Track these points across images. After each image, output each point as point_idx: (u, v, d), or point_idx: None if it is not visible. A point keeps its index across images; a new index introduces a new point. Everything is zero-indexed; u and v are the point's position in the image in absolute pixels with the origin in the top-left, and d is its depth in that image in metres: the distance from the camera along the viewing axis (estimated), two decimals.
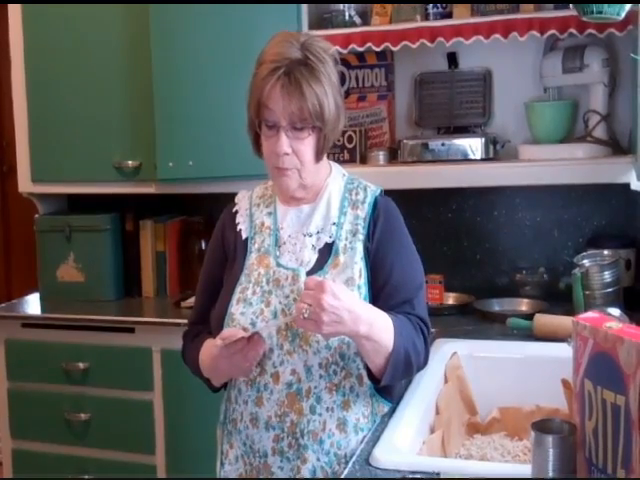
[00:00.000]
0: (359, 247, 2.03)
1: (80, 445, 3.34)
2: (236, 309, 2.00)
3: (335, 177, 2.13)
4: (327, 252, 2.04)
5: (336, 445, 1.97)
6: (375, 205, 2.08)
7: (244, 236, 2.13)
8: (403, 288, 2.03)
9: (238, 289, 2.04)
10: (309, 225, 2.07)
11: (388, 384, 2.01)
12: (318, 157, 2.02)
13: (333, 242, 2.04)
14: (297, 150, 1.98)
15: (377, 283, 2.03)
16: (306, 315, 1.79)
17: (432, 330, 2.10)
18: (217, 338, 1.95)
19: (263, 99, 1.95)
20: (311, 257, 2.03)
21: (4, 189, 7.25)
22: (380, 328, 1.90)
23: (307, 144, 1.98)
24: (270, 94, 1.94)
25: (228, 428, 2.09)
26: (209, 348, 2.04)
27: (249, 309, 1.99)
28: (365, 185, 2.12)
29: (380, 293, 2.02)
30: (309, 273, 2.00)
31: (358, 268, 2.01)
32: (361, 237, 2.04)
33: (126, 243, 3.64)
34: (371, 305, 1.95)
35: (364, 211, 2.07)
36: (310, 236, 2.06)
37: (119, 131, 3.46)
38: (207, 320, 2.10)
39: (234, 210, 2.20)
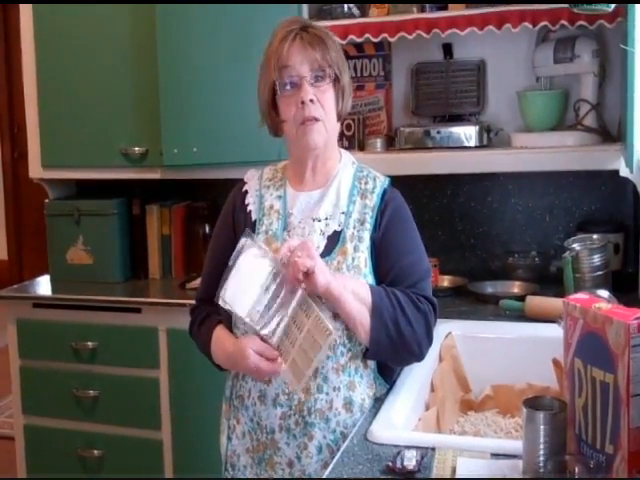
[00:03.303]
0: (366, 236, 2.05)
1: (89, 421, 3.38)
2: None
3: (345, 164, 2.15)
4: (335, 239, 2.05)
5: (342, 424, 2.00)
6: (383, 196, 2.10)
7: (253, 218, 2.14)
8: (409, 273, 2.05)
9: None
10: (318, 211, 2.09)
11: (380, 349, 1.99)
12: (338, 112, 2.08)
13: (341, 230, 2.06)
14: (320, 99, 2.02)
15: (383, 270, 2.05)
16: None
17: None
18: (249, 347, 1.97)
19: (283, 59, 2.00)
20: (320, 243, 2.05)
21: (16, 175, 7.26)
22: (353, 281, 1.98)
23: (328, 96, 2.03)
24: (290, 52, 2.00)
25: (234, 404, 2.12)
26: (222, 342, 2.08)
27: None
28: (374, 175, 2.15)
29: (385, 279, 2.04)
30: None
31: (364, 257, 2.04)
32: (368, 227, 2.06)
33: (133, 227, 3.66)
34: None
35: (372, 201, 2.09)
36: (319, 221, 2.07)
37: (126, 119, 3.47)
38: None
39: (244, 190, 2.20)
